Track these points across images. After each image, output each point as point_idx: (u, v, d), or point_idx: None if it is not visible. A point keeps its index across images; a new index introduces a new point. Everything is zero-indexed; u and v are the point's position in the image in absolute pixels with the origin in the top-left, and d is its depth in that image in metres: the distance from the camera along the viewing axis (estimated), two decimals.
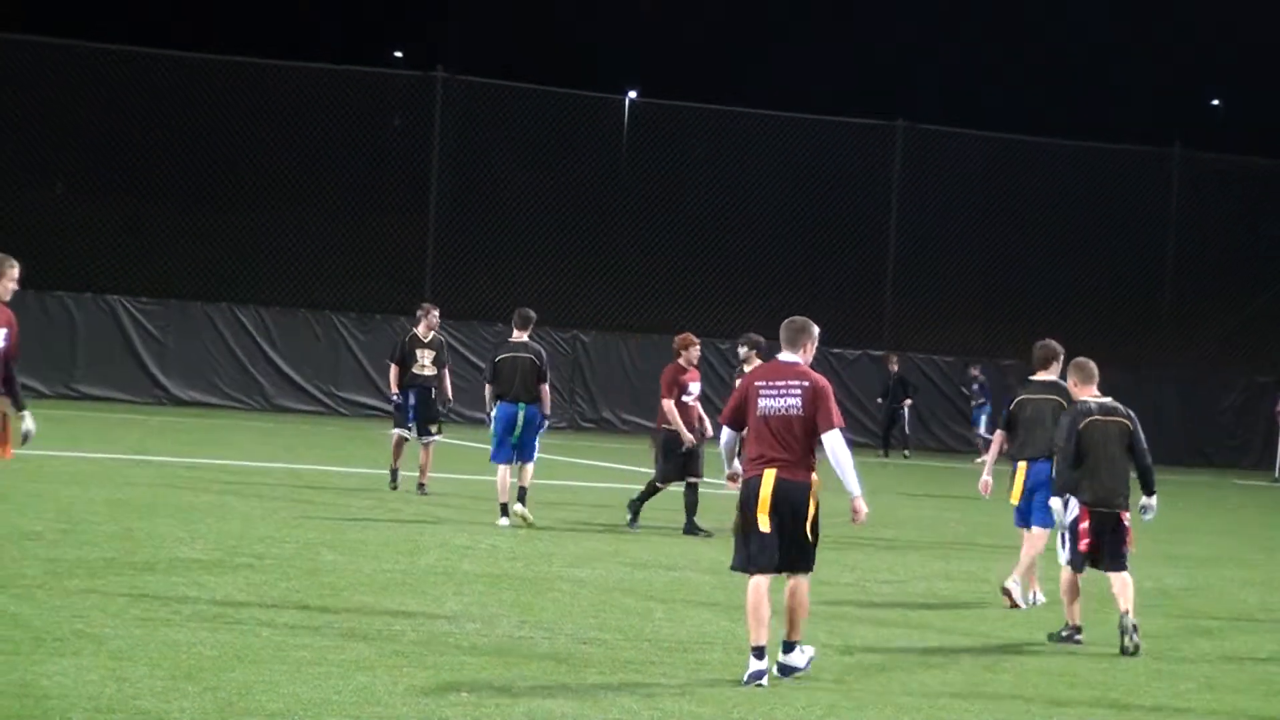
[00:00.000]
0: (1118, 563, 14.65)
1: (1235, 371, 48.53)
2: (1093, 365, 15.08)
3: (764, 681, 11.85)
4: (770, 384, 12.23)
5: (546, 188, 47.46)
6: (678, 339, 21.87)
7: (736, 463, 12.71)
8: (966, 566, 19.98)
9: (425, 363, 24.41)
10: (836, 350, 44.64)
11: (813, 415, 12.08)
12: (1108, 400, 14.94)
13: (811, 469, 12.19)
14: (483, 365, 43.41)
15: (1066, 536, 14.81)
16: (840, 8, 62.37)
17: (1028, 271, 49.17)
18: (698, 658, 12.85)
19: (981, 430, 41.71)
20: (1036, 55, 61.59)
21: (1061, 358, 16.87)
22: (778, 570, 12.19)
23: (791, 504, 12.06)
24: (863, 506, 12.28)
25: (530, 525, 20.94)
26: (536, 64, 52.96)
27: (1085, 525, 14.62)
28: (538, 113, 46.95)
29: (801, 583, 12.22)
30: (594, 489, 28.21)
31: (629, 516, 21.67)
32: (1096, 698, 12.25)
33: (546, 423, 21.98)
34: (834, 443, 12.09)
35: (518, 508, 21.12)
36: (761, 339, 21.49)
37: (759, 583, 12.07)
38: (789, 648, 12.24)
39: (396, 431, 24.57)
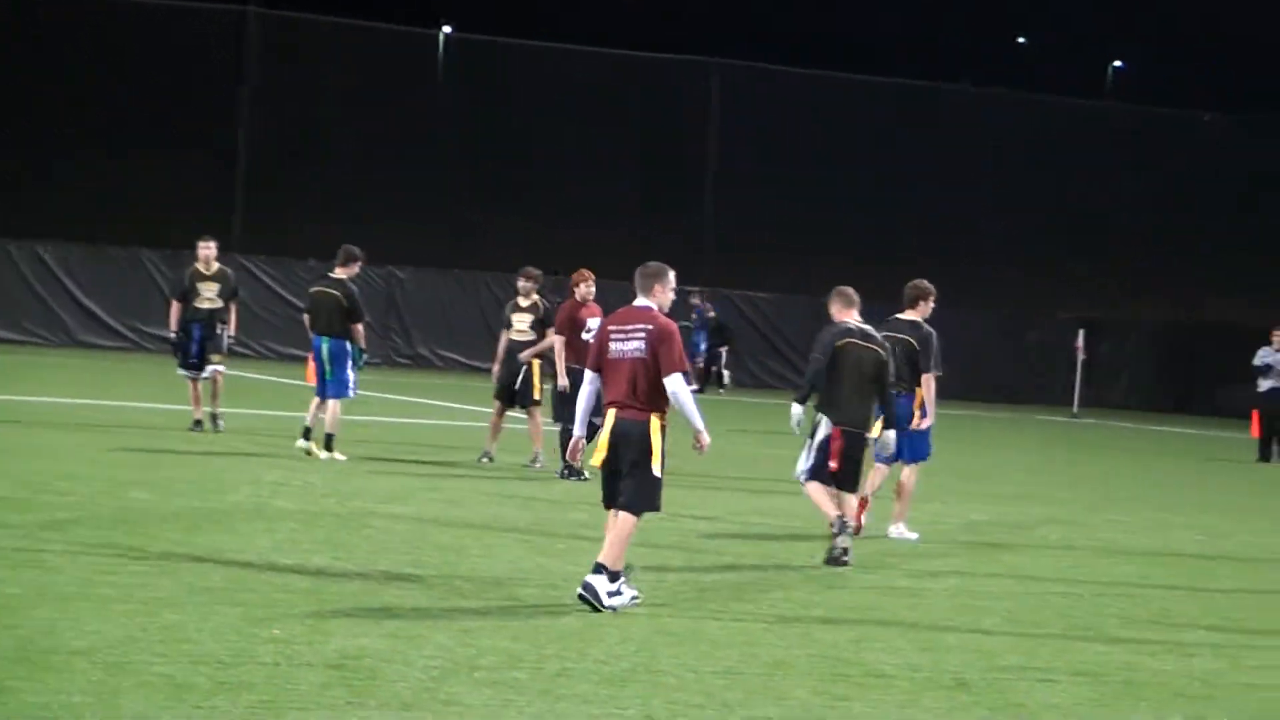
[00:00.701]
0: (850, 485, 15.54)
1: (1040, 310, 49.25)
2: (852, 292, 15.77)
3: (615, 604, 12.17)
4: (620, 328, 12.45)
5: (360, 123, 46.98)
6: (574, 275, 21.24)
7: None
8: (777, 503, 20.07)
9: (209, 295, 23.93)
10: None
11: (655, 358, 12.24)
12: (868, 327, 15.63)
13: (657, 410, 12.33)
14: (297, 301, 43.41)
15: (813, 450, 15.51)
16: None
17: (852, 208, 49.48)
18: (511, 592, 12.75)
19: (699, 357, 42.00)
20: None
21: (931, 297, 17.30)
22: (609, 506, 12.46)
23: (631, 443, 12.30)
24: (706, 438, 12.55)
25: (311, 457, 20.96)
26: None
27: (838, 445, 15.36)
28: (351, 47, 46.46)
29: (628, 517, 12.37)
30: (409, 424, 28.00)
31: (567, 473, 20.55)
32: (905, 626, 12.33)
33: (363, 358, 21.83)
34: (675, 386, 12.27)
35: (300, 443, 21.35)
36: (539, 272, 22.26)
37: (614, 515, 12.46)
38: (597, 570, 12.30)
39: (181, 374, 24.15)
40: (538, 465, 21.77)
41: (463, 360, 43.87)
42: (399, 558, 14.02)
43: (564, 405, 20.28)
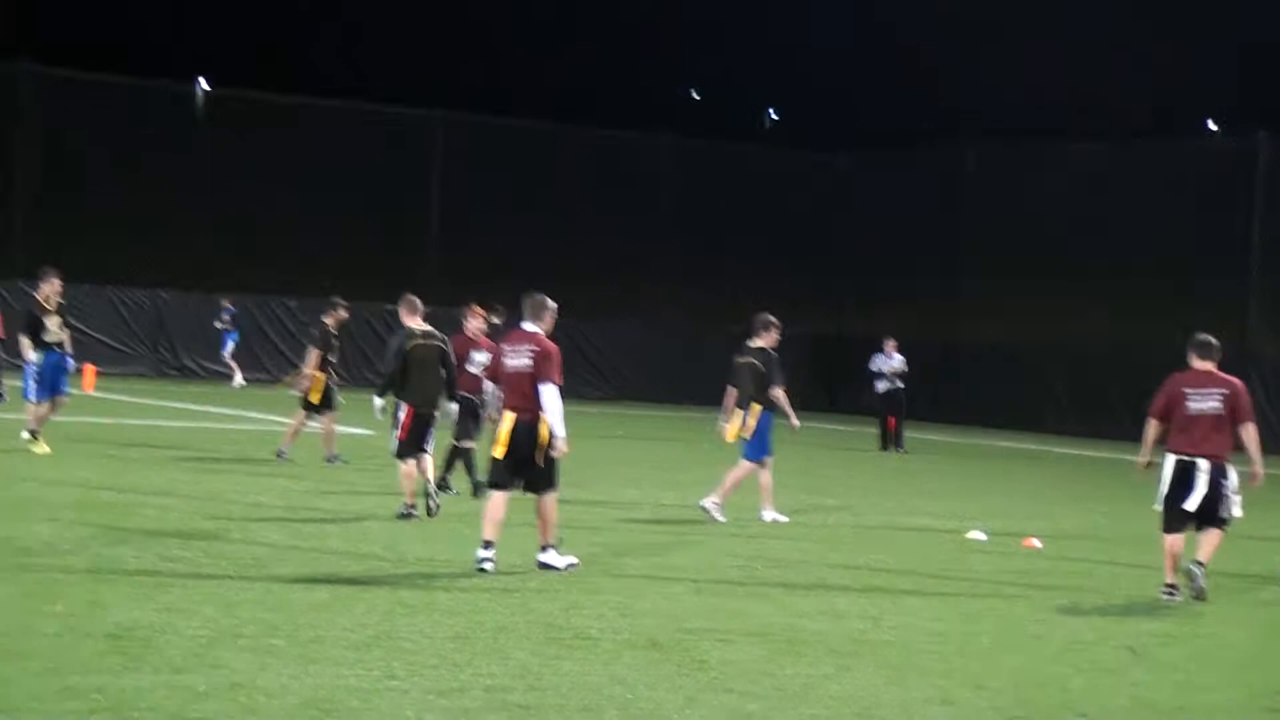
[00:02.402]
0: (418, 449, 16.68)
1: (710, 324, 49.43)
2: (417, 300, 17.20)
3: (486, 567, 13.09)
4: (512, 348, 13.49)
5: (127, 164, 45.80)
6: (467, 309, 19.54)
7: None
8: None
9: (53, 328, 21.23)
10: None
11: (537, 372, 13.28)
12: (429, 328, 17.04)
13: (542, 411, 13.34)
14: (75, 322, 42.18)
15: (396, 431, 16.68)
16: None
17: (557, 240, 49.42)
18: (272, 571, 12.50)
19: (227, 356, 41.25)
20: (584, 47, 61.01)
21: (775, 329, 18.83)
22: (522, 491, 13.51)
23: (526, 439, 13.33)
24: (563, 446, 13.45)
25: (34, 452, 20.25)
26: (117, 51, 50.76)
27: (408, 420, 16.61)
28: (113, 101, 45.42)
29: (545, 499, 13.43)
30: (174, 427, 27.33)
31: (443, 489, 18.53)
32: (607, 595, 12.35)
33: (71, 364, 21.46)
34: (547, 393, 13.31)
35: (24, 435, 20.79)
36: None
37: (496, 496, 13.40)
38: (544, 549, 13.51)
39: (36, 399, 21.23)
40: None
41: (221, 370, 43.06)
42: (169, 541, 13.67)
43: (460, 424, 18.83)
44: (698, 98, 66.02)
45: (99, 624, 9.99)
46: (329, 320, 22.93)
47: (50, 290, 21.32)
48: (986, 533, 18.15)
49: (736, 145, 53.83)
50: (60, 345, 21.20)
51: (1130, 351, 43.45)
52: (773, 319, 18.90)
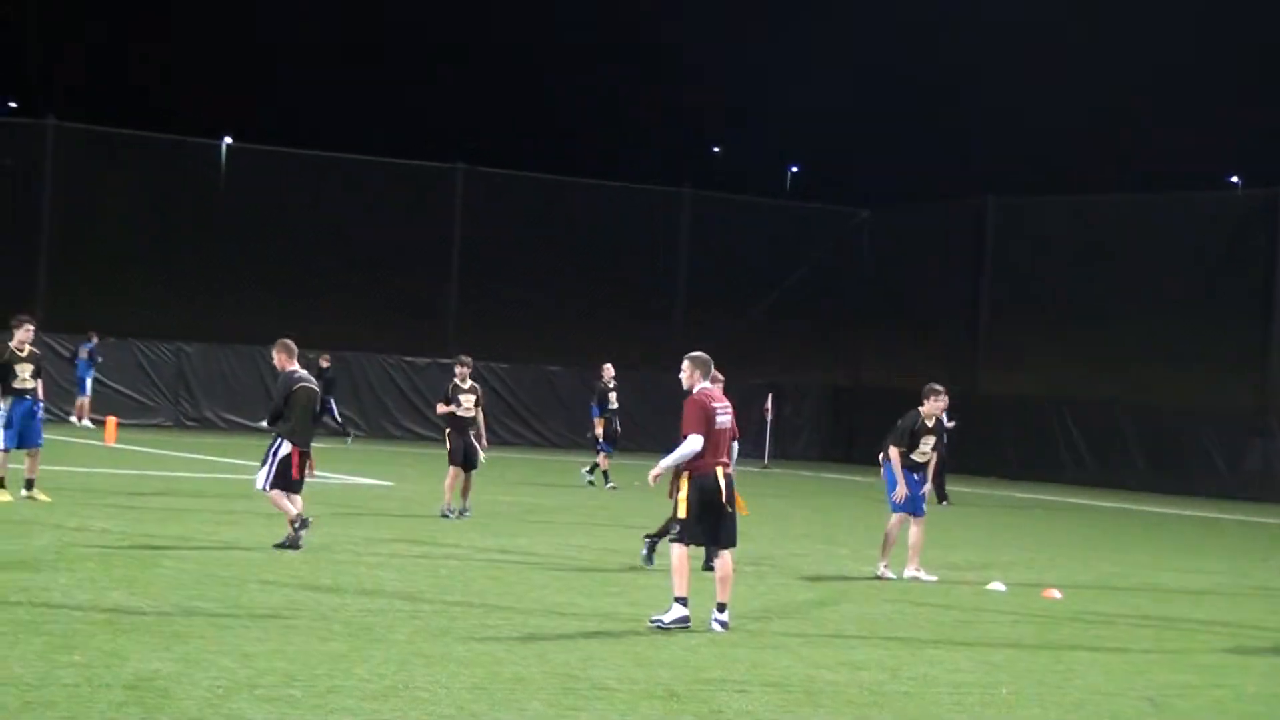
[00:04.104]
0: (299, 488, 17.53)
1: (731, 375, 49.66)
2: (292, 344, 17.81)
3: (714, 627, 13.39)
4: (720, 405, 13.68)
5: (152, 222, 46.11)
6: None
7: None
8: (520, 541, 19.97)
9: (25, 376, 21.03)
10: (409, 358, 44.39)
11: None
12: (304, 371, 17.77)
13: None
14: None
15: (273, 466, 17.31)
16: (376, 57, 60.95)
17: (562, 291, 49.58)
18: (288, 623, 12.49)
19: (85, 393, 40.69)
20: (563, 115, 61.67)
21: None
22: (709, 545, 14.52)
23: (730, 495, 13.61)
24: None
25: (42, 502, 20.28)
26: (141, 112, 51.29)
27: (296, 460, 17.35)
28: (138, 156, 45.77)
29: (730, 554, 13.79)
30: (193, 478, 27.38)
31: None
32: (625, 645, 12.33)
33: (41, 411, 21.30)
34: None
35: (23, 492, 20.68)
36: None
37: (684, 552, 13.53)
38: (723, 608, 13.58)
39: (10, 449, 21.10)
40: (467, 514, 22.45)
41: (242, 422, 43.08)
42: (187, 592, 13.67)
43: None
44: (718, 150, 66.29)
45: (117, 674, 9.98)
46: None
47: (24, 337, 20.91)
48: (1006, 584, 18.09)
49: (757, 199, 54.06)
50: (33, 393, 20.90)
51: (1149, 402, 43.39)
52: (936, 386, 18.59)
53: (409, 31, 57.02)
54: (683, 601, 13.36)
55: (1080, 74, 52.69)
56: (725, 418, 13.61)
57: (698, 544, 13.84)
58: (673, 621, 13.25)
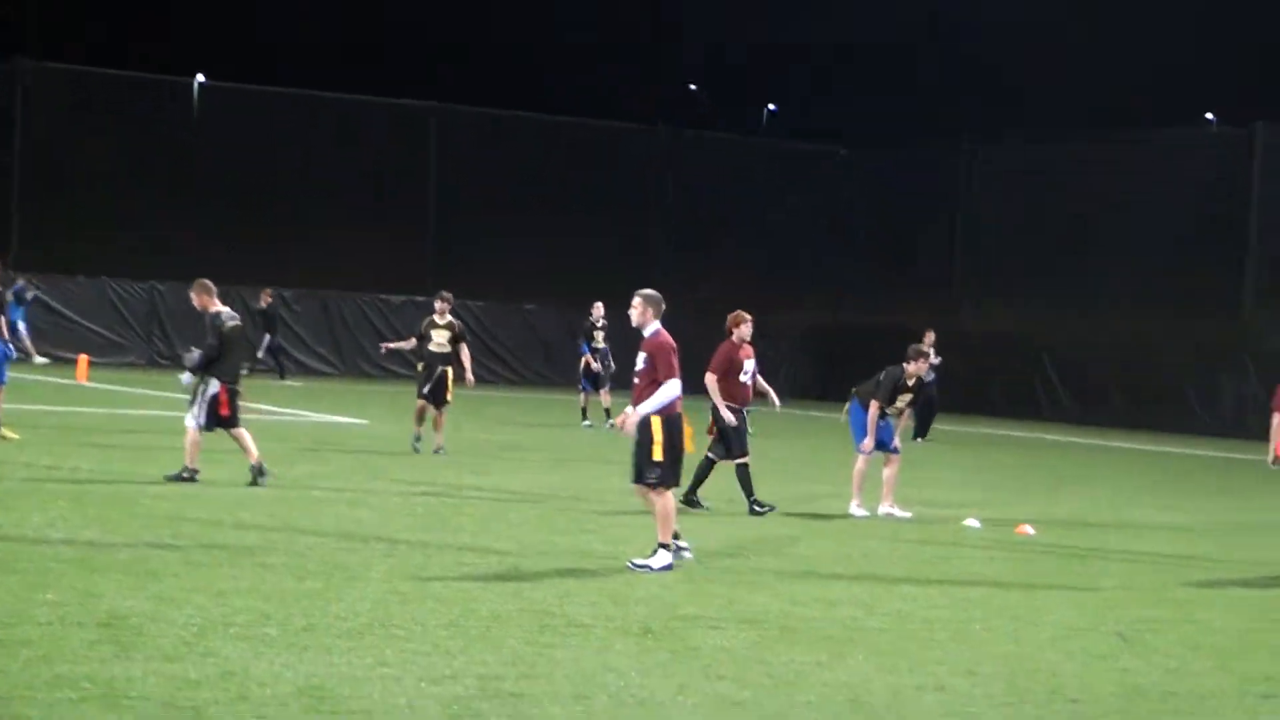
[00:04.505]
0: (236, 423, 17.63)
1: (713, 314, 49.49)
2: (210, 283, 17.77)
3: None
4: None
5: (127, 161, 45.78)
6: (732, 316, 18.14)
7: None
8: (499, 480, 19.97)
9: None
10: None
11: None
12: (230, 310, 17.90)
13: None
14: (65, 310, 42.24)
15: (204, 405, 17.39)
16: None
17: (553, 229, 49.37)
18: (262, 560, 12.50)
19: (23, 337, 39.38)
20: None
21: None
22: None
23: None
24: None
25: (10, 440, 20.14)
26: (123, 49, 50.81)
27: (225, 396, 17.49)
28: (110, 96, 45.43)
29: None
30: (167, 416, 27.32)
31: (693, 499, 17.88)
32: (600, 582, 12.36)
33: (10, 352, 21.42)
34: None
35: None
36: (450, 295, 23.57)
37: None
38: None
39: None
40: (442, 453, 22.56)
41: None
42: (160, 531, 13.67)
43: (725, 442, 18.00)
44: (694, 88, 65.96)
45: (90, 613, 9.99)
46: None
47: None
48: (980, 520, 18.18)
49: (735, 137, 53.90)
50: None
51: (1126, 340, 43.51)
52: (924, 349, 18.97)
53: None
54: (667, 548, 13.32)
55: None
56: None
57: (675, 485, 13.73)
58: (661, 568, 13.17)
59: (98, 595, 10.55)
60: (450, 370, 23.15)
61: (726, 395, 17.84)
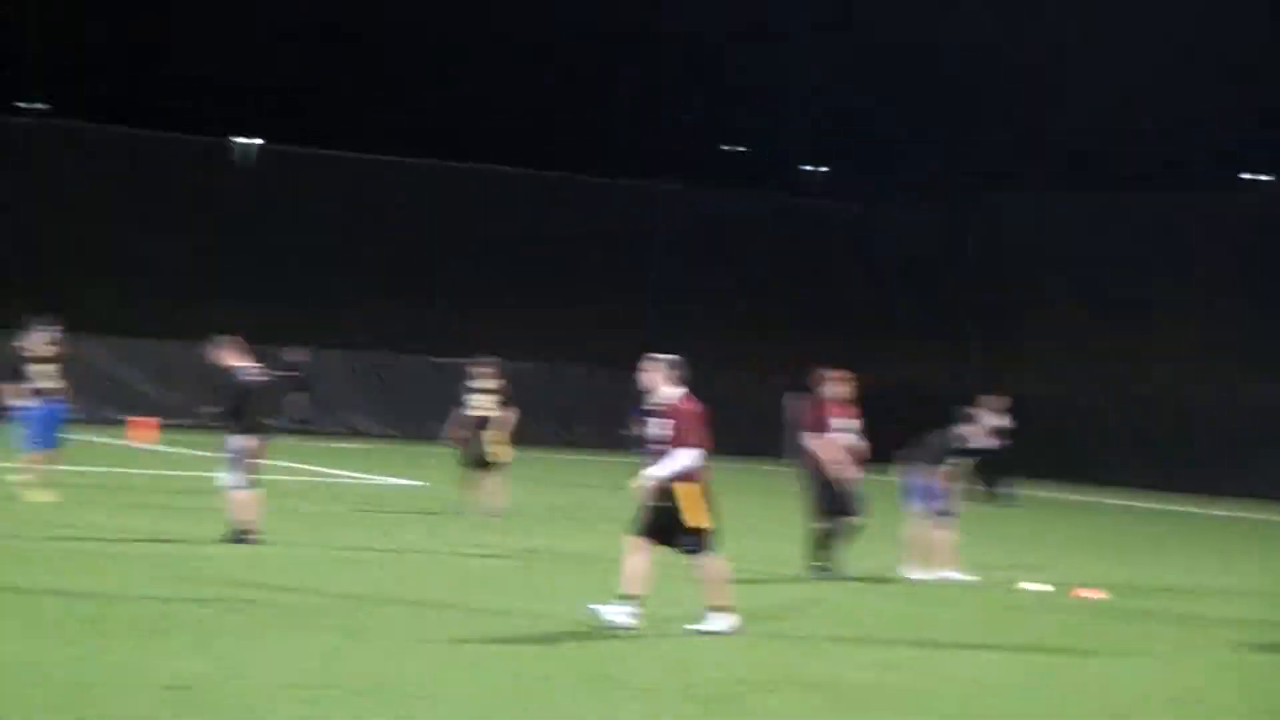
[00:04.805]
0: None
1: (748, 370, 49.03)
2: (240, 339, 17.88)
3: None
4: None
5: (161, 216, 45.91)
6: (827, 374, 18.05)
7: None
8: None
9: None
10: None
11: None
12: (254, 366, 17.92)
13: None
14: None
15: (238, 464, 17.41)
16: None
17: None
18: (326, 622, 12.54)
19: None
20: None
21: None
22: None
23: None
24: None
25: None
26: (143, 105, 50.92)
27: (263, 453, 17.64)
28: (134, 155, 45.80)
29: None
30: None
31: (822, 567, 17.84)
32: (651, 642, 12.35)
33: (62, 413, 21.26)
34: None
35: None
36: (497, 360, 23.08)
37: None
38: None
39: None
40: (494, 517, 22.13)
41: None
42: (223, 590, 13.72)
43: (832, 503, 17.89)
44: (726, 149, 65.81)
45: (154, 675, 10.06)
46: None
47: (44, 339, 21.13)
48: (1039, 583, 18.08)
49: (767, 194, 53.82)
50: (51, 394, 20.95)
51: (1184, 400, 43.19)
52: (973, 412, 19.34)
53: (409, 31, 56.75)
54: (722, 609, 13.18)
55: (1081, 74, 52.41)
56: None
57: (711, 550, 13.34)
58: (725, 631, 13.04)
59: (158, 657, 10.61)
60: (489, 434, 22.93)
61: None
